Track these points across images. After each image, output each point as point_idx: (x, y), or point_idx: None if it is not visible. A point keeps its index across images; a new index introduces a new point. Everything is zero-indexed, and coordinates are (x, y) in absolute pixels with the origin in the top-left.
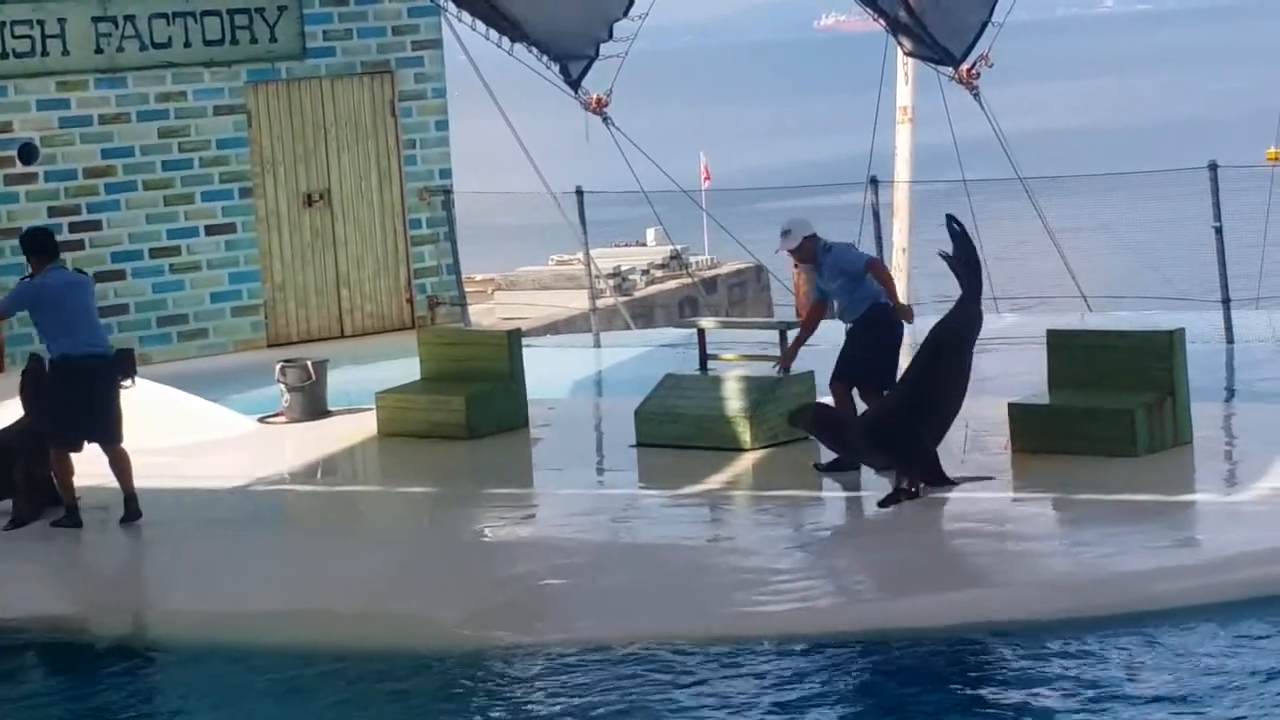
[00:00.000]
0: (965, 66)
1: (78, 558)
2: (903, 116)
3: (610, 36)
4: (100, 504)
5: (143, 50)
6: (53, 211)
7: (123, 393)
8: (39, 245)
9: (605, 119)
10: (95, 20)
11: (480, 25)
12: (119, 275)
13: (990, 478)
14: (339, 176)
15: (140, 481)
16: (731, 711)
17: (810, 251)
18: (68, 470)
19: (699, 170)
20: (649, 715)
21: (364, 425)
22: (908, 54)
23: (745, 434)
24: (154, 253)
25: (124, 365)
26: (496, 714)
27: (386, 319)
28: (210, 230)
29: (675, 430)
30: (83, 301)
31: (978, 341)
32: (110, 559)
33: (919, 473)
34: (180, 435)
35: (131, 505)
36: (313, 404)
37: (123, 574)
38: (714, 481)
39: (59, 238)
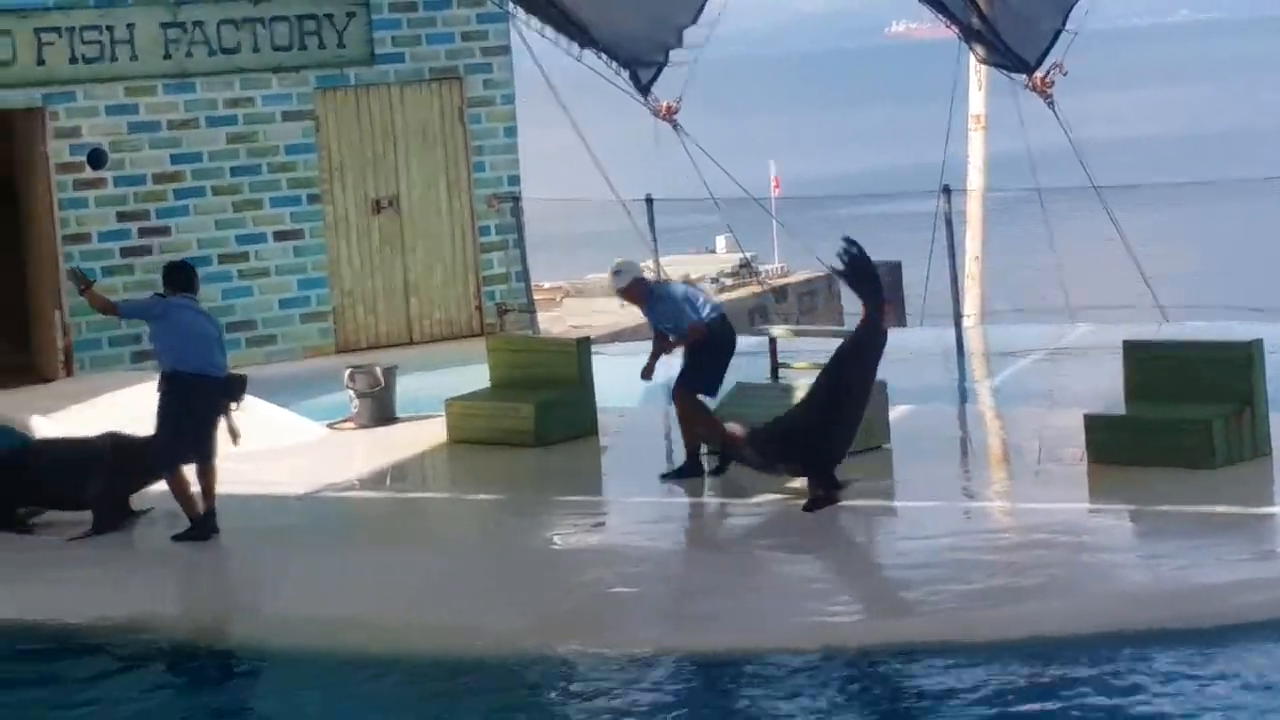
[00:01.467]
0: (1039, 74)
1: (148, 564)
2: (975, 124)
3: (680, 43)
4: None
5: (211, 56)
6: (121, 217)
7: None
8: (174, 276)
9: (675, 126)
10: (164, 26)
11: (549, 31)
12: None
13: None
14: (407, 183)
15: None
16: None
17: (637, 294)
18: (184, 484)
19: (769, 178)
20: None
21: (432, 432)
22: (981, 61)
23: None
24: (222, 259)
25: (233, 388)
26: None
27: (455, 326)
28: (279, 236)
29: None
30: (201, 327)
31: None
32: (178, 565)
33: (829, 477)
34: (249, 441)
35: (210, 520)
36: (381, 410)
37: (190, 579)
38: (784, 491)
39: (127, 244)
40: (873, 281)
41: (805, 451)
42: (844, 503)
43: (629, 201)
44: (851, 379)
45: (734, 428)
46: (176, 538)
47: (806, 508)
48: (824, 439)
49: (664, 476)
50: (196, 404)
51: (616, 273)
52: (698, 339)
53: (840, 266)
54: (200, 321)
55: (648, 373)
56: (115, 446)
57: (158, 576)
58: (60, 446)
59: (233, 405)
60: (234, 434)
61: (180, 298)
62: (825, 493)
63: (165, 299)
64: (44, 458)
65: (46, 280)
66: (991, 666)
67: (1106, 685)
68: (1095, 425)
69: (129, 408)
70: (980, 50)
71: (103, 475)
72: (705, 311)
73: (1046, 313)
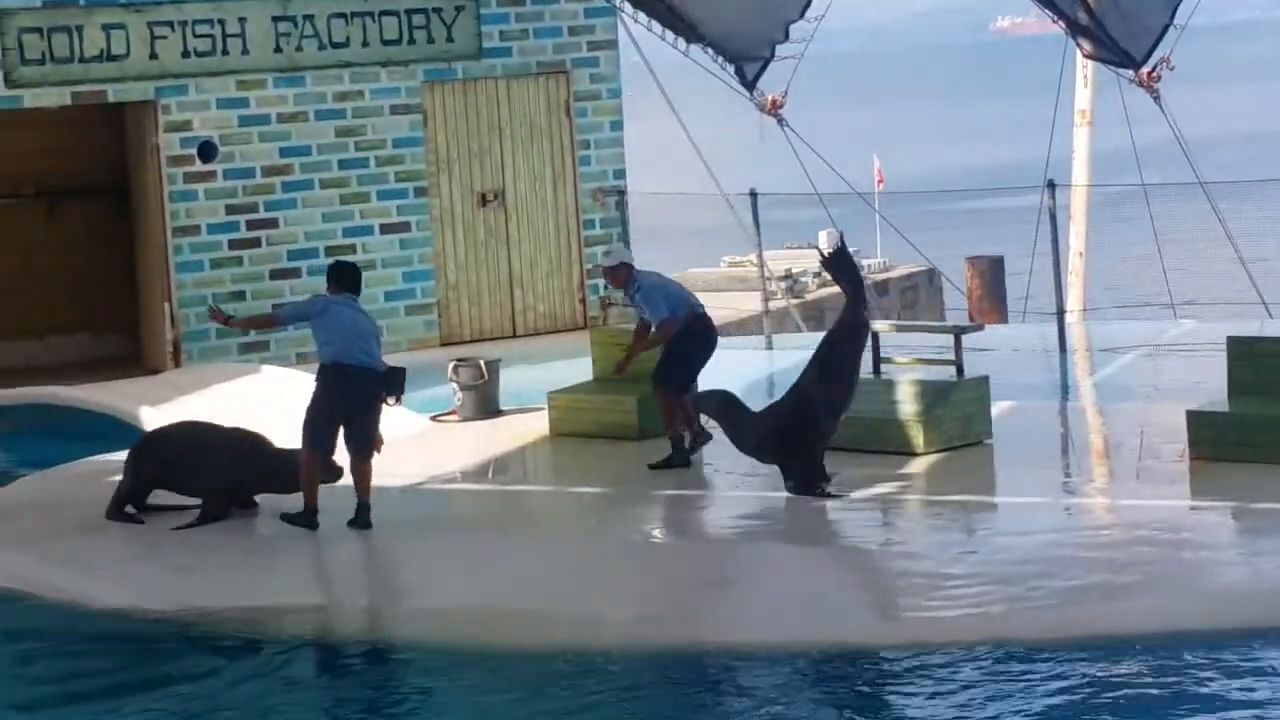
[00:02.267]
0: (1146, 69)
1: (256, 555)
2: (1081, 119)
3: (786, 38)
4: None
5: (321, 50)
6: (230, 209)
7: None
8: (342, 276)
9: (780, 120)
10: (275, 20)
11: (656, 26)
12: (295, 273)
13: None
14: (513, 176)
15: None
16: (899, 717)
17: (623, 278)
18: (315, 472)
19: (873, 173)
20: (811, 718)
21: (535, 425)
22: (1087, 56)
23: (918, 438)
24: (329, 251)
25: (391, 382)
26: (663, 714)
27: (559, 319)
28: (385, 229)
29: (847, 433)
30: (360, 323)
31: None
32: (286, 555)
33: (814, 470)
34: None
35: (364, 513)
36: (485, 403)
37: (297, 570)
38: (885, 485)
39: (236, 236)
40: (852, 273)
41: (788, 442)
42: (834, 491)
43: (733, 196)
44: (837, 370)
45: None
46: (285, 517)
47: (796, 490)
48: (808, 430)
49: (652, 466)
50: (353, 394)
51: (607, 253)
52: (668, 336)
53: (821, 260)
54: (359, 319)
55: (620, 368)
56: (239, 441)
57: (264, 570)
58: (191, 432)
59: (390, 400)
60: (377, 443)
61: (343, 297)
62: (804, 481)
63: (326, 297)
64: (172, 442)
65: (156, 272)
66: (1090, 663)
67: (1206, 683)
68: (1198, 422)
69: (236, 399)
70: (1086, 45)
71: (221, 468)
72: (683, 309)
73: (1150, 308)
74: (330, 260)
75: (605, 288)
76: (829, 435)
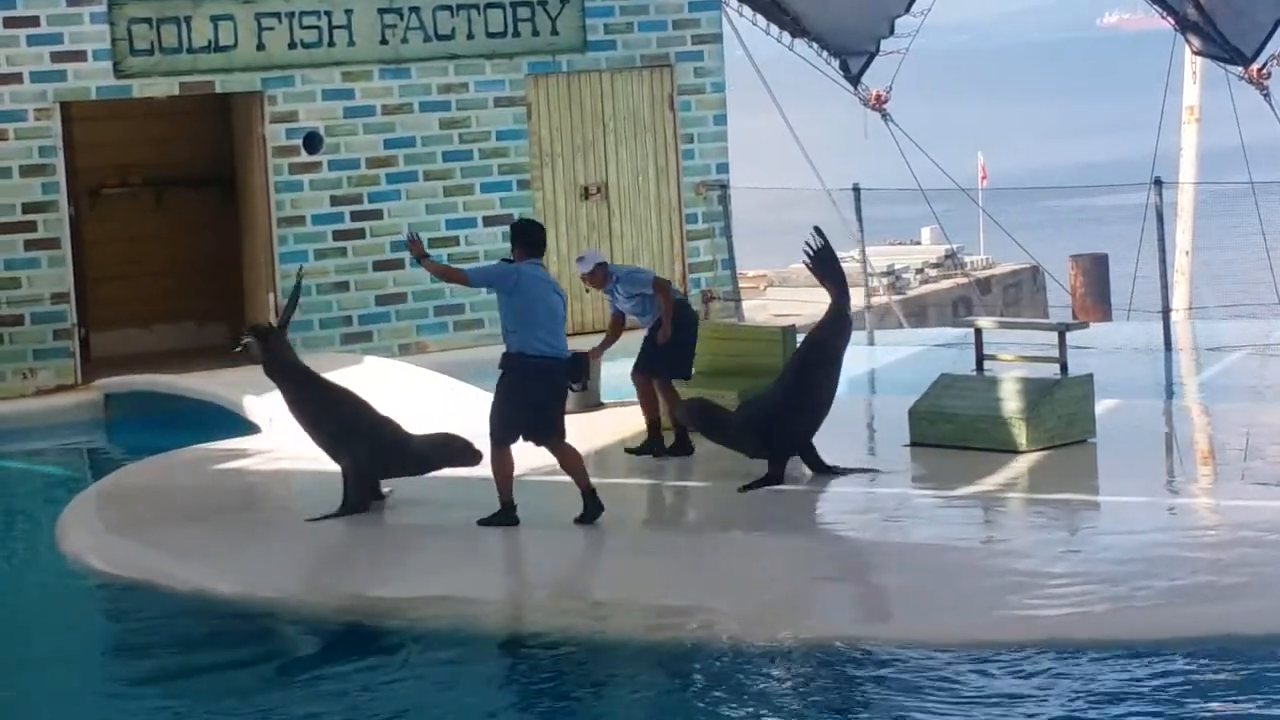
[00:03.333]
0: (1256, 66)
1: (367, 546)
2: (1189, 116)
3: (891, 33)
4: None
5: (426, 42)
6: (335, 200)
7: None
8: (525, 236)
9: (884, 115)
10: (381, 12)
11: (761, 20)
12: (398, 265)
13: (877, 470)
14: (616, 170)
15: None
16: (1002, 716)
17: (600, 278)
18: (506, 467)
19: (976, 169)
20: (913, 716)
21: (636, 419)
22: (1196, 53)
23: (1021, 435)
24: (432, 243)
25: (576, 369)
26: (765, 708)
27: None
28: (488, 221)
29: (950, 430)
30: (551, 302)
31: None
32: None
33: (782, 463)
34: (456, 425)
35: (589, 502)
36: (585, 396)
37: (406, 561)
38: (988, 483)
39: (340, 227)
40: (836, 273)
41: (769, 437)
42: (783, 486)
43: (835, 191)
44: (819, 367)
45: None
46: (483, 522)
47: (742, 488)
48: (788, 426)
49: (630, 451)
50: (537, 388)
51: (580, 259)
52: (671, 300)
53: (806, 259)
54: (551, 298)
55: (596, 354)
56: (378, 426)
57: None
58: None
59: (574, 387)
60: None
61: (531, 265)
62: (772, 476)
63: (517, 268)
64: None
65: (261, 262)
66: (1192, 665)
67: None
68: None
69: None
70: (1196, 41)
71: (361, 453)
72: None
73: (1257, 308)
74: (517, 221)
75: (704, 283)
76: (802, 434)
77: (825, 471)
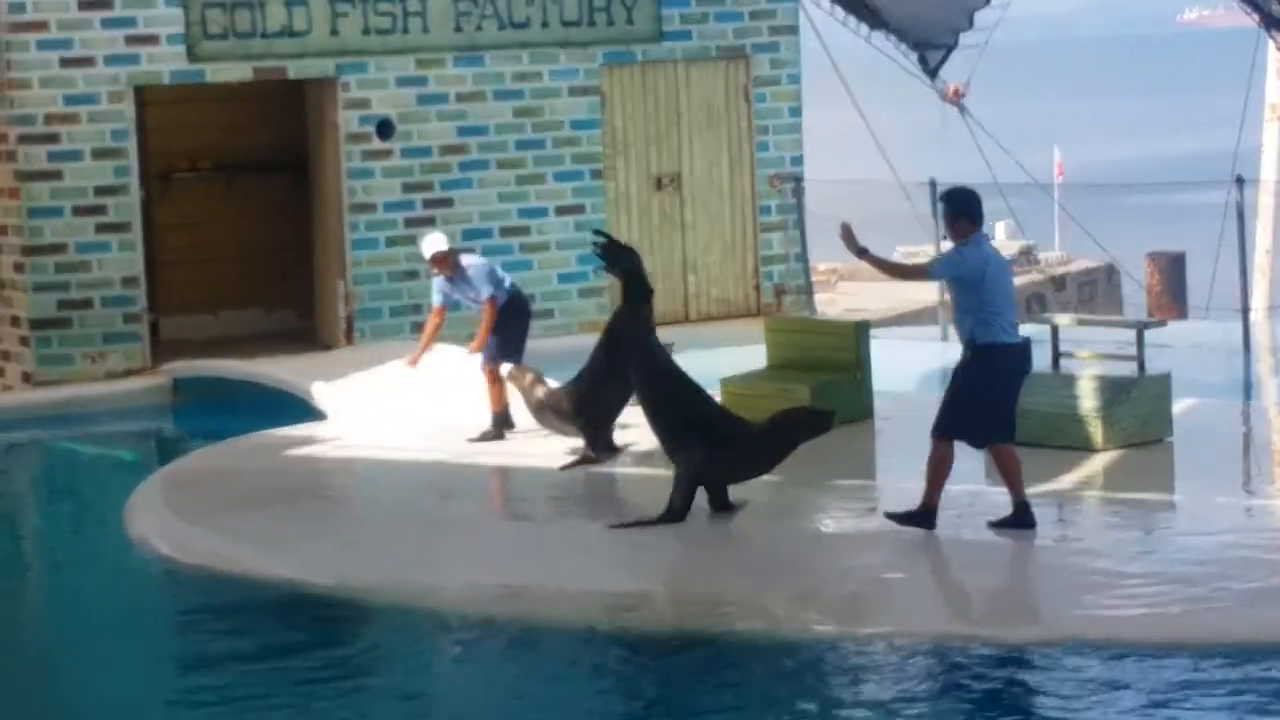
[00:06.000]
0: None
1: (422, 533)
2: (1272, 114)
3: (970, 26)
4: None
5: (501, 30)
6: (407, 188)
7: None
8: (970, 205)
9: (962, 109)
10: None
11: (839, 11)
12: (469, 253)
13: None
14: (689, 161)
15: (478, 459)
16: (1067, 715)
17: (449, 263)
18: (946, 464)
19: (1053, 164)
20: (984, 714)
21: (633, 415)
22: None
23: (1096, 434)
24: (504, 231)
25: (1028, 357)
26: (821, 702)
27: (732, 305)
28: (560, 211)
29: (1025, 427)
30: (1010, 280)
31: None
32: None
33: (593, 443)
34: (520, 415)
35: (1018, 513)
36: None
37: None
38: (1063, 481)
39: (412, 214)
40: (625, 261)
41: (579, 416)
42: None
43: (911, 185)
44: (621, 358)
45: (537, 392)
46: (894, 516)
47: (563, 467)
48: (593, 406)
49: (471, 440)
50: (1012, 381)
51: (429, 240)
52: (493, 313)
53: (600, 261)
54: (1010, 276)
55: (415, 360)
56: (711, 423)
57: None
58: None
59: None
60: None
61: (983, 242)
62: (588, 455)
63: (981, 255)
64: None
65: (331, 249)
66: (1268, 667)
67: None
68: None
69: (409, 378)
70: None
71: (698, 457)
72: (503, 288)
73: None
74: (949, 190)
75: (776, 276)
76: (605, 415)
77: (605, 452)
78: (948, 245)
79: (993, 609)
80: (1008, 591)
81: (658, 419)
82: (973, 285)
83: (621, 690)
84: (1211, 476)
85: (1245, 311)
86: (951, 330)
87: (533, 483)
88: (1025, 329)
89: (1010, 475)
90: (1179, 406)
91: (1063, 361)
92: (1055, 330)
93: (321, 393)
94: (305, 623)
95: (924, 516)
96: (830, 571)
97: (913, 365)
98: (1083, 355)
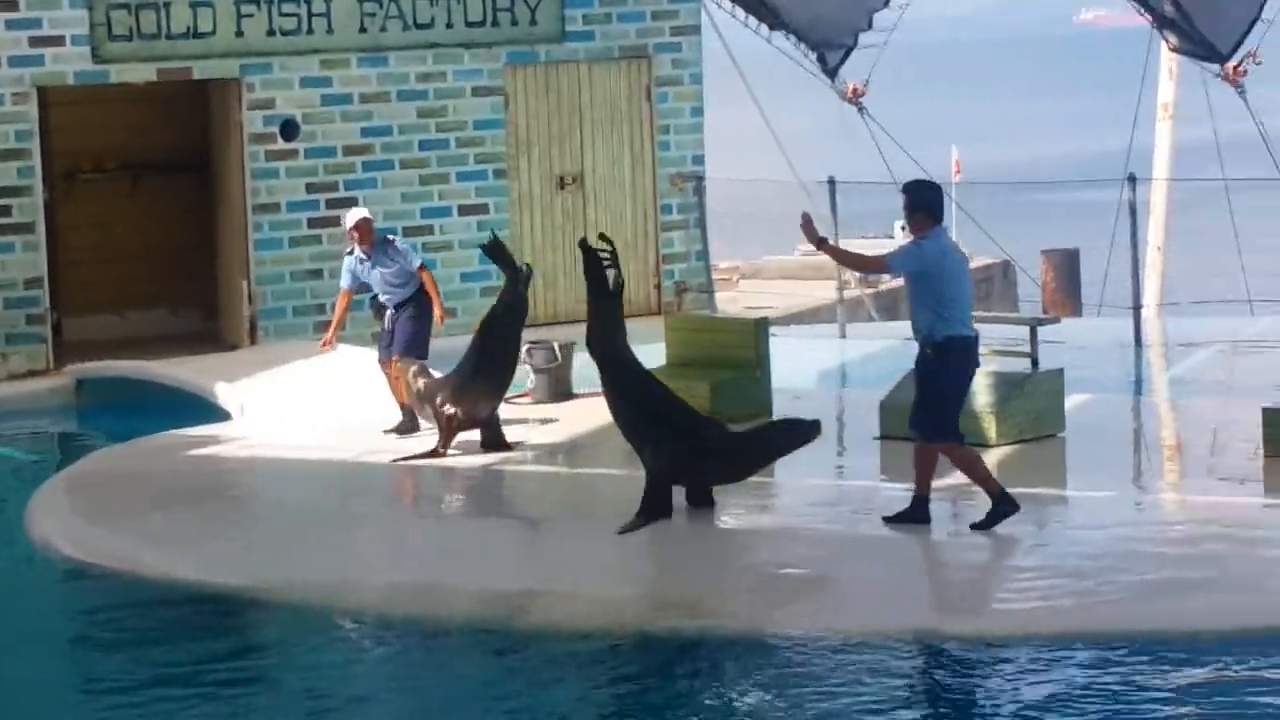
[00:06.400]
0: (1232, 63)
1: (326, 531)
2: (1164, 113)
3: (870, 26)
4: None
5: (405, 30)
6: (311, 188)
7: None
8: (927, 200)
9: (860, 109)
10: (360, 0)
11: (740, 12)
12: None
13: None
14: (592, 160)
15: (381, 458)
16: (962, 708)
17: (369, 235)
18: (930, 463)
19: (950, 163)
20: (872, 708)
21: (608, 409)
22: (1173, 50)
23: (991, 429)
24: (407, 231)
25: (977, 353)
26: (724, 698)
27: (634, 303)
28: (463, 210)
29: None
30: (967, 274)
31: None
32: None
33: (445, 439)
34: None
35: (995, 510)
36: (559, 386)
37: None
38: (957, 476)
39: (316, 214)
40: (507, 259)
41: (444, 410)
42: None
43: (811, 183)
44: (492, 344)
45: (418, 384)
46: (977, 526)
47: (396, 459)
48: (463, 396)
49: (387, 431)
50: (968, 374)
51: (354, 210)
52: (427, 276)
53: (483, 247)
54: (965, 268)
55: (329, 343)
56: (683, 426)
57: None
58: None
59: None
60: None
61: (943, 236)
62: (436, 450)
63: (940, 248)
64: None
65: (235, 249)
66: (1159, 659)
67: (1274, 680)
68: (1273, 419)
69: (312, 377)
70: (1172, 38)
71: (665, 453)
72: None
73: (1227, 305)
74: (910, 182)
75: (677, 274)
76: (488, 406)
77: (503, 447)
78: (846, 243)
79: (886, 603)
80: (901, 586)
81: (626, 419)
82: (931, 279)
83: (521, 687)
84: (1103, 471)
85: (1137, 308)
86: (851, 328)
87: (437, 480)
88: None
89: (925, 471)
90: (1072, 402)
91: None
92: None
93: (225, 393)
94: (210, 622)
95: (917, 509)
96: (730, 568)
97: (812, 362)
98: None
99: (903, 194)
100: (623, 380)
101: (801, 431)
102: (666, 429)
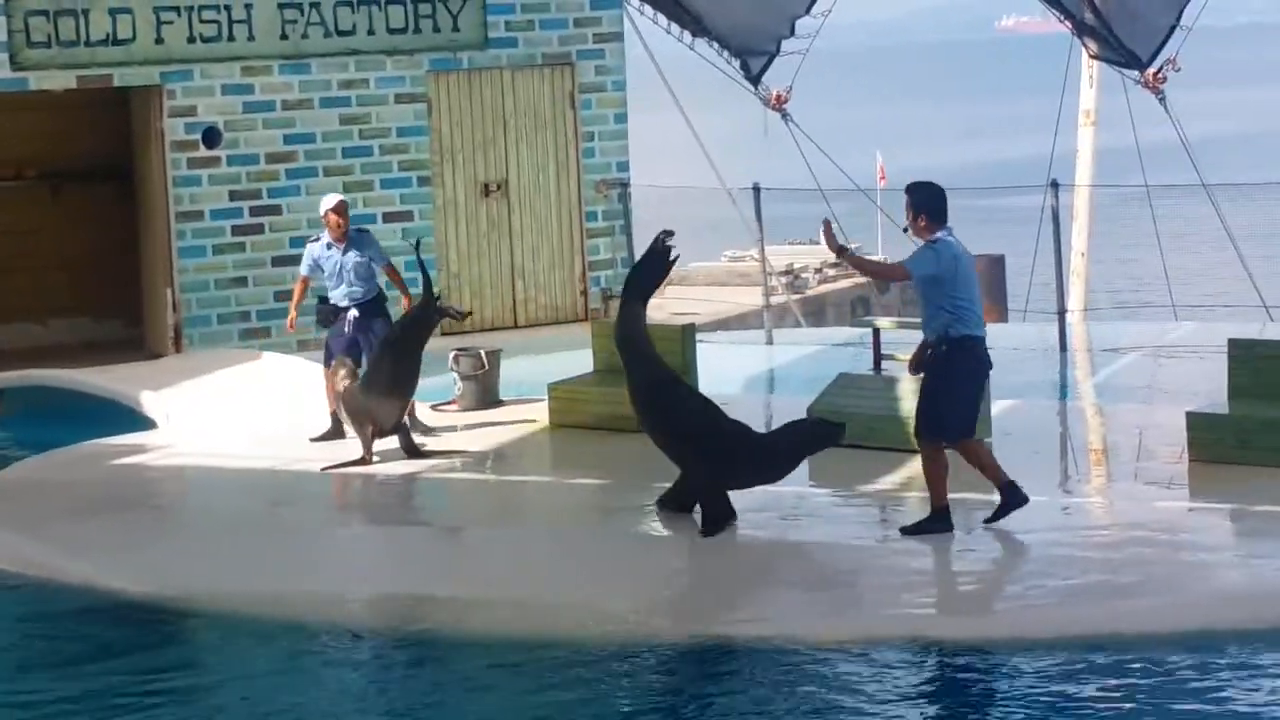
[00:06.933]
0: (1151, 70)
1: (255, 540)
2: (1085, 119)
3: (792, 33)
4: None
5: (327, 37)
6: (234, 195)
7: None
8: (935, 200)
9: (784, 116)
10: (281, 6)
11: (662, 19)
12: (297, 260)
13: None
14: (517, 167)
15: (308, 466)
16: (892, 714)
17: (346, 220)
18: (943, 469)
19: (875, 169)
20: (804, 714)
21: (535, 416)
22: (1093, 56)
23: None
24: None
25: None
26: (652, 706)
27: (560, 310)
28: (388, 218)
29: (848, 430)
30: (971, 276)
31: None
32: (268, 542)
33: (366, 446)
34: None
35: (1003, 504)
36: (485, 393)
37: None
38: (885, 482)
39: (239, 222)
40: (425, 272)
41: (357, 416)
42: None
43: (735, 190)
44: (392, 358)
45: (339, 387)
46: (908, 531)
47: (324, 468)
48: (369, 405)
49: (314, 439)
50: (986, 370)
51: (329, 195)
52: (393, 274)
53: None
54: (974, 269)
55: (292, 324)
56: (721, 431)
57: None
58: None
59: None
60: None
61: (950, 237)
62: (363, 458)
63: (954, 251)
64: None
65: (158, 257)
66: (1086, 663)
67: (1200, 684)
68: (1197, 424)
69: (237, 385)
70: (1092, 45)
71: (708, 462)
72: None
73: (1151, 310)
74: (913, 184)
75: (604, 281)
76: (392, 416)
77: (415, 454)
78: (771, 249)
79: (812, 609)
80: (829, 592)
81: (660, 428)
82: (945, 282)
83: (448, 696)
84: (1029, 476)
85: (1061, 313)
86: (777, 334)
87: (364, 488)
88: (846, 332)
89: (986, 466)
90: (997, 407)
91: (884, 364)
92: (877, 333)
93: (150, 401)
94: (135, 632)
95: (938, 520)
96: (657, 574)
97: (738, 369)
98: (903, 358)
99: (906, 195)
100: (662, 392)
101: (829, 433)
102: (706, 442)
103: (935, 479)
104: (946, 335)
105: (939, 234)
